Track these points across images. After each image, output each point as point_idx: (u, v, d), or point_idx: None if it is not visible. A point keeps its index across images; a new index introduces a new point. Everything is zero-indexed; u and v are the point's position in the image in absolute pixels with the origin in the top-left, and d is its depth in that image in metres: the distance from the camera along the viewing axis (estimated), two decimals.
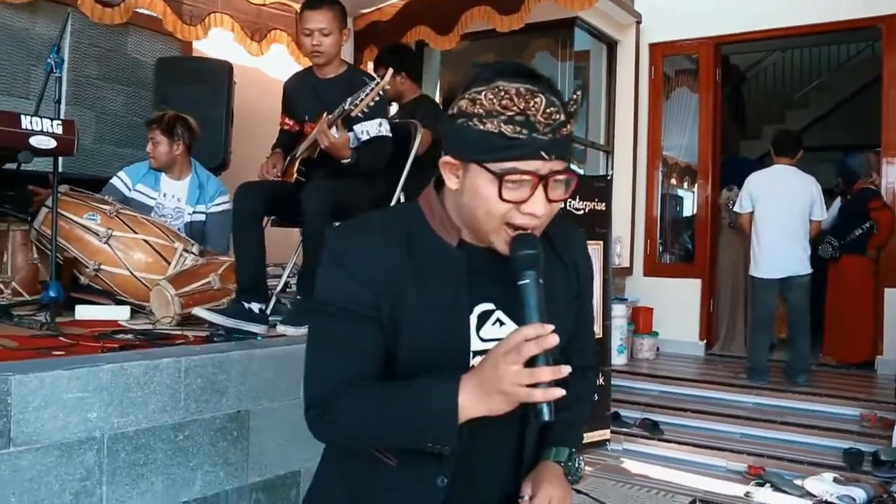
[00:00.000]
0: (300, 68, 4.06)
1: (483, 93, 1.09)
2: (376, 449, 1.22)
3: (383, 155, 3.06)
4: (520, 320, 1.12)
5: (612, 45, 6.85)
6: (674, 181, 7.42)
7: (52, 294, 2.71)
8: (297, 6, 5.15)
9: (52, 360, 2.09)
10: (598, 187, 5.02)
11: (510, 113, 1.07)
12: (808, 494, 3.92)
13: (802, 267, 5.15)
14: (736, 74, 9.21)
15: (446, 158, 1.16)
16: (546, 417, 1.04)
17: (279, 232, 3.28)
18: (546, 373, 1.02)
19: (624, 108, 6.83)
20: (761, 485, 4.11)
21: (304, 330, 2.71)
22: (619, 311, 5.86)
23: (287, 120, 3.23)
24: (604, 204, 4.99)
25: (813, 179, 5.23)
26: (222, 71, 4.87)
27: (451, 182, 1.17)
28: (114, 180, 3.80)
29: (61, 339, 2.47)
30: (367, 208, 3.08)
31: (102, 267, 3.20)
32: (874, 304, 5.65)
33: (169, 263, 3.23)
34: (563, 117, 1.10)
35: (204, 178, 3.89)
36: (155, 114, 3.85)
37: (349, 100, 2.84)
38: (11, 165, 2.98)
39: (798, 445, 4.53)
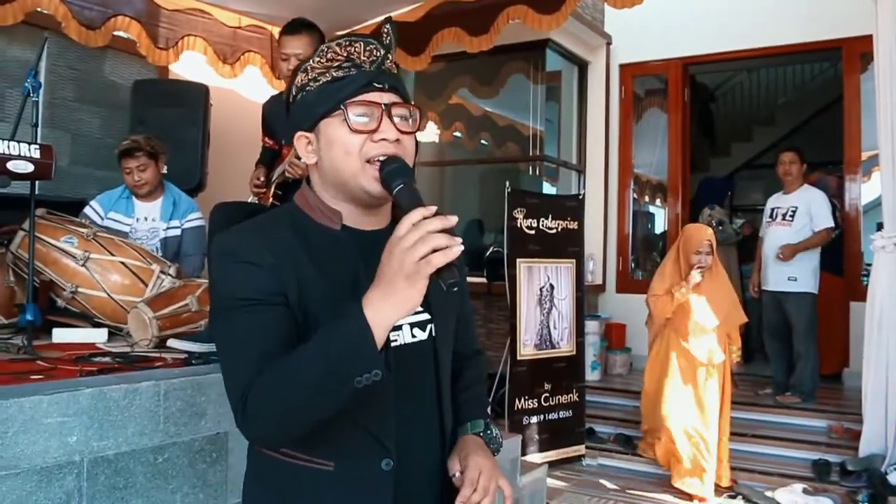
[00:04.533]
0: (274, 91, 4.10)
1: (311, 60, 1.21)
2: (308, 458, 1.18)
3: None
4: None
5: (583, 66, 6.97)
6: (646, 198, 7.54)
7: (28, 317, 2.67)
8: (272, 28, 5.23)
9: (30, 384, 2.08)
10: (570, 206, 5.11)
11: (337, 62, 1.20)
12: None
13: None
14: (705, 93, 9.39)
15: (298, 136, 1.23)
16: (458, 277, 1.01)
17: None
18: (439, 236, 0.99)
19: (595, 128, 6.94)
20: (733, 497, 4.19)
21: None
22: (593, 328, 5.93)
23: (268, 139, 3.26)
24: (576, 222, 5.07)
25: None
26: (199, 93, 4.90)
27: (309, 157, 1.22)
28: (87, 209, 3.74)
29: (39, 363, 2.43)
30: None
31: (80, 289, 3.19)
32: (844, 318, 5.74)
33: (146, 285, 3.23)
34: (382, 51, 1.22)
35: (176, 196, 3.87)
36: (125, 144, 3.71)
37: None
38: None
39: (769, 457, 4.64)
